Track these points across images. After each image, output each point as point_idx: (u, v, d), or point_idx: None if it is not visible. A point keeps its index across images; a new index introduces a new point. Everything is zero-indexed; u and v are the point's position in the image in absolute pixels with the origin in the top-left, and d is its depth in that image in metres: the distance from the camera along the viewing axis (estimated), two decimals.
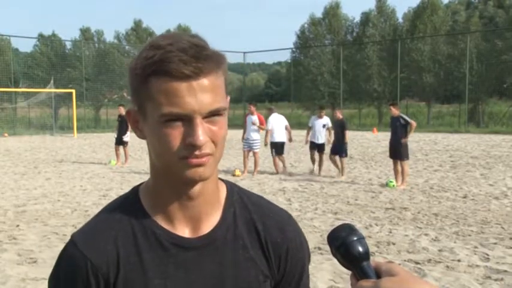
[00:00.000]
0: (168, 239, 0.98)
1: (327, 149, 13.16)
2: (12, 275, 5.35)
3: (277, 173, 13.29)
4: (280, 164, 13.49)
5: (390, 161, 11.62)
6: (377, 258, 5.80)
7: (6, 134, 31.18)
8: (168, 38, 0.90)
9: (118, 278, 0.95)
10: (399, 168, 11.11)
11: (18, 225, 7.66)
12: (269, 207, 1.09)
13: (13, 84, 35.06)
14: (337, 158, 12.67)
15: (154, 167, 0.99)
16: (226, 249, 1.00)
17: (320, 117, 13.28)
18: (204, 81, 0.88)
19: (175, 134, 0.89)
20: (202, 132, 0.88)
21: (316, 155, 13.33)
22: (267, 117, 13.63)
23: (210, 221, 1.01)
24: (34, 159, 17.92)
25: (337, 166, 12.78)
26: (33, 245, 6.57)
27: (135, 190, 1.04)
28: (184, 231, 0.99)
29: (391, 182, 11.12)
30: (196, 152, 0.89)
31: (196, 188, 0.96)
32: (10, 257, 6.05)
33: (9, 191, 11.00)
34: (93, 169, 14.66)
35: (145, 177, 1.11)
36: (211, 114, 0.90)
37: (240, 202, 1.06)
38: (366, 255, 0.87)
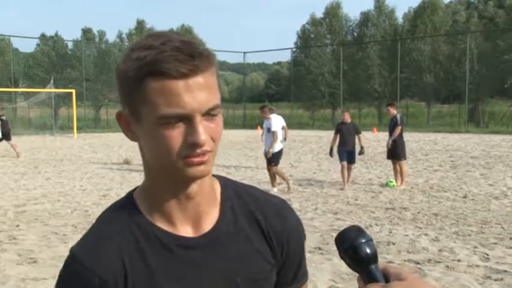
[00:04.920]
0: (172, 241, 0.96)
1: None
2: (12, 275, 5.35)
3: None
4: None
5: (390, 161, 11.62)
6: None
7: None
8: (158, 37, 0.88)
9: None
10: (398, 168, 11.11)
11: (18, 225, 7.66)
12: (264, 196, 1.09)
13: (13, 84, 35.07)
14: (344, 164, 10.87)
15: (151, 169, 0.97)
16: (230, 244, 1.00)
17: (266, 118, 10.47)
18: (200, 79, 0.87)
19: (175, 134, 0.88)
20: (203, 130, 0.88)
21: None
22: (259, 119, 11.18)
23: (210, 218, 1.00)
24: (34, 159, 17.93)
25: (348, 175, 10.98)
26: (33, 245, 6.57)
27: (130, 196, 1.02)
28: (186, 231, 0.98)
29: (391, 182, 11.10)
30: (198, 150, 0.89)
31: (194, 186, 0.96)
32: (10, 257, 6.05)
33: (9, 191, 10.99)
34: (93, 169, 14.66)
35: None
36: (209, 112, 0.89)
37: (236, 195, 1.05)
38: (374, 257, 0.87)
